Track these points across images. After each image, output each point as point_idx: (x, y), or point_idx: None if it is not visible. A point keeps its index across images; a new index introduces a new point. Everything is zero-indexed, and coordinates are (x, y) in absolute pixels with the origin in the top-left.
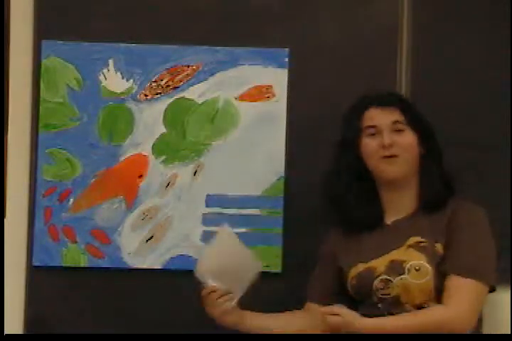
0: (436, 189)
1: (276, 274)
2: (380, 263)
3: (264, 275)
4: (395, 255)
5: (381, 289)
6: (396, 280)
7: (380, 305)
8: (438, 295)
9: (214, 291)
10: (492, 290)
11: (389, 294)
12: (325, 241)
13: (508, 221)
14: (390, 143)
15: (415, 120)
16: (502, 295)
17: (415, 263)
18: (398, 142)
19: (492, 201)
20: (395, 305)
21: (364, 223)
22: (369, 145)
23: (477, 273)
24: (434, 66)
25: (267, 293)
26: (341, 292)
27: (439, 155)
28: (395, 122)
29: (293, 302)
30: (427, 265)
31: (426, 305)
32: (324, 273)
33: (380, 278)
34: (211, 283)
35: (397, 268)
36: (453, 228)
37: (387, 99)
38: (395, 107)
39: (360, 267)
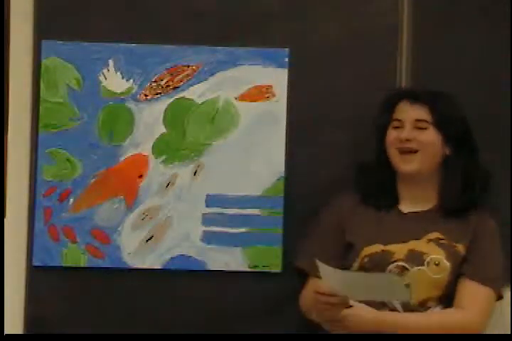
0: (457, 195)
1: (276, 274)
2: (398, 249)
3: (264, 275)
4: (415, 245)
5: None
6: (413, 269)
7: None
8: (445, 294)
9: (331, 296)
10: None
11: None
12: (332, 212)
13: (508, 221)
14: (407, 138)
15: (443, 121)
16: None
17: (436, 258)
18: (418, 138)
19: (492, 201)
20: None
21: (378, 205)
22: (391, 136)
23: (496, 283)
24: (434, 66)
25: (267, 293)
26: (344, 268)
27: (469, 159)
28: (419, 120)
29: (293, 303)
30: (447, 262)
31: (429, 302)
32: (330, 247)
33: (397, 263)
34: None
35: (416, 258)
36: (480, 237)
37: (420, 95)
38: (424, 105)
39: (377, 248)
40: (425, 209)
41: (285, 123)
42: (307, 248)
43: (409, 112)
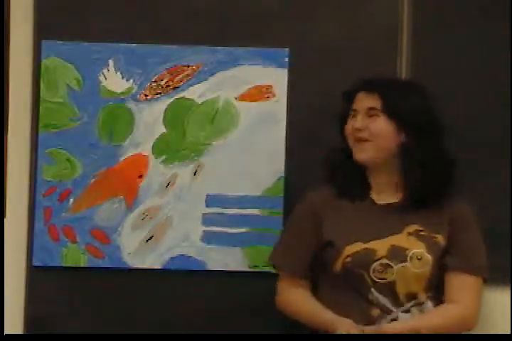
0: (418, 184)
1: (276, 274)
2: (380, 247)
3: (264, 275)
4: (395, 240)
5: (379, 272)
6: (397, 266)
7: (373, 290)
8: (429, 285)
9: None
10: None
11: (385, 279)
12: (305, 208)
13: (508, 221)
14: (358, 127)
15: (394, 108)
16: (502, 295)
17: (418, 252)
18: (369, 127)
19: (492, 201)
20: (388, 291)
21: (350, 193)
22: (347, 126)
23: (483, 271)
24: (434, 66)
25: (267, 293)
26: (318, 267)
27: (428, 147)
28: (371, 108)
29: None
30: (428, 255)
31: (417, 295)
32: (304, 244)
33: (381, 262)
34: None
35: (399, 254)
36: (459, 225)
37: (373, 84)
38: (375, 93)
39: (358, 246)
40: (396, 200)
41: (285, 123)
42: (281, 244)
43: (363, 101)
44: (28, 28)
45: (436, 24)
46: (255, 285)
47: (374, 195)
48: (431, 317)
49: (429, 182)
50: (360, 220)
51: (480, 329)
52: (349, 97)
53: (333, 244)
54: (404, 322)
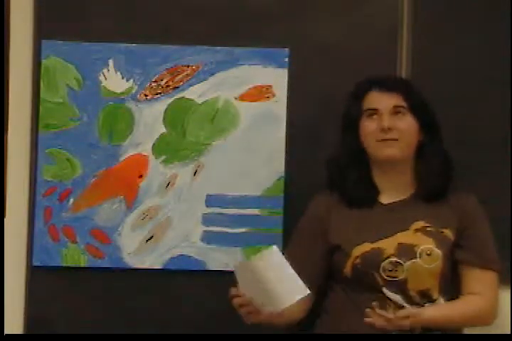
0: (437, 178)
1: None
2: (388, 245)
3: None
4: (403, 238)
5: (389, 271)
6: (407, 263)
7: (384, 289)
8: (442, 281)
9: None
10: None
11: (396, 277)
12: (310, 216)
13: (508, 220)
14: (389, 127)
15: (417, 106)
16: (502, 295)
17: (427, 248)
18: (397, 126)
19: (492, 201)
20: (400, 289)
21: (359, 200)
22: (368, 127)
23: (497, 264)
24: (433, 66)
25: None
26: (328, 272)
27: (440, 143)
28: (396, 106)
29: None
30: (437, 250)
31: (430, 292)
32: (313, 251)
33: (390, 260)
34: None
35: (408, 251)
36: (469, 219)
37: (390, 83)
38: (397, 92)
39: (366, 247)
40: (404, 197)
41: (285, 123)
42: (288, 254)
43: (385, 100)
44: (28, 28)
45: (436, 24)
46: None
47: (381, 197)
48: (459, 306)
49: (442, 177)
50: (366, 221)
51: (480, 329)
52: (359, 97)
53: (340, 248)
54: (436, 308)
